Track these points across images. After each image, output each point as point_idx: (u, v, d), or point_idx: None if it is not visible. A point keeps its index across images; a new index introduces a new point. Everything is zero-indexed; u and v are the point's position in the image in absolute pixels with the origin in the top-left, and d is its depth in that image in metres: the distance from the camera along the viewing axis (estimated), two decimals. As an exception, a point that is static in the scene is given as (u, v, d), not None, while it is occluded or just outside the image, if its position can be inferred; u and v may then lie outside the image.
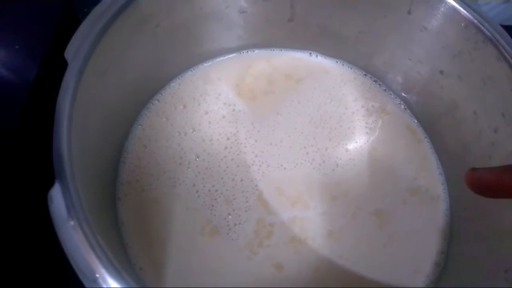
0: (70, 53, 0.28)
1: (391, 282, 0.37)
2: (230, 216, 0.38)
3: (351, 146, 0.43)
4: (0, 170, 0.33)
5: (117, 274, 0.22)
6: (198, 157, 0.40)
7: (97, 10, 0.31)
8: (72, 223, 0.23)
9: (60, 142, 0.25)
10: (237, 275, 0.36)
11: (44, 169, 0.26)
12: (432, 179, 0.42)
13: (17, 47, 0.36)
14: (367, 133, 0.44)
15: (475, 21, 0.34)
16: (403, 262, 0.38)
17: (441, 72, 0.40)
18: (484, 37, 0.34)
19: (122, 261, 0.34)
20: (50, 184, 0.24)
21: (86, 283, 0.22)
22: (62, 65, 0.29)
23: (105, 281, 0.22)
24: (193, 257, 0.36)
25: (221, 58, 0.45)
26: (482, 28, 0.33)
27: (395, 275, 0.37)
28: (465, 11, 0.34)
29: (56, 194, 0.23)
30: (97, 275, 0.22)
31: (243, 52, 0.46)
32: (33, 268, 0.34)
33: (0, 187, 0.33)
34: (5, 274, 0.33)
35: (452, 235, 0.39)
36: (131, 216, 0.37)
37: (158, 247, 0.36)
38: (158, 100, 0.42)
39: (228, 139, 0.42)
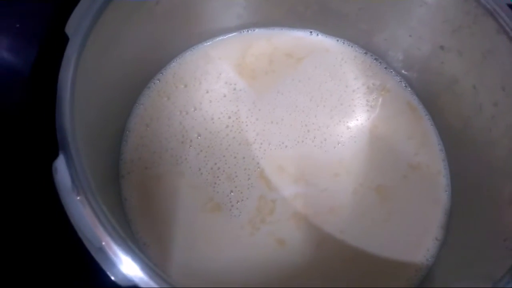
0: (71, 28, 0.28)
1: (392, 256, 0.38)
2: (232, 193, 0.39)
3: (352, 123, 0.43)
4: (5, 148, 0.33)
5: (122, 242, 0.23)
6: (200, 136, 0.41)
7: (97, -14, 0.31)
8: (76, 192, 0.23)
9: (63, 115, 0.25)
10: (240, 250, 0.37)
11: (49, 145, 0.26)
12: (432, 155, 0.42)
13: (17, 25, 0.36)
14: (367, 110, 0.44)
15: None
16: (404, 237, 0.39)
17: (441, 47, 0.40)
18: (483, 10, 0.33)
19: (127, 236, 0.34)
20: (55, 157, 0.25)
21: (92, 252, 0.23)
22: (63, 43, 0.29)
23: (111, 249, 0.23)
24: (195, 234, 0.37)
25: (221, 38, 0.45)
26: (482, 1, 0.33)
27: (396, 249, 0.38)
28: (465, -17, 0.34)
29: (60, 165, 0.23)
30: (103, 243, 0.22)
31: (244, 32, 0.46)
32: (40, 237, 0.35)
33: (5, 165, 0.33)
34: (11, 245, 0.33)
35: (452, 209, 0.40)
36: (134, 193, 0.38)
37: (161, 223, 0.37)
38: (159, 80, 0.42)
39: (229, 117, 0.42)
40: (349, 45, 0.47)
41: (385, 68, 0.46)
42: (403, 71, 0.45)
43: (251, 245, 0.37)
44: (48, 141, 0.26)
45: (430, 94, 0.44)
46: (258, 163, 0.40)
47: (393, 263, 0.38)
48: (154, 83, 0.42)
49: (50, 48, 0.37)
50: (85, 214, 0.23)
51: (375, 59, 0.46)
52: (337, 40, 0.47)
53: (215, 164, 0.40)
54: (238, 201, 0.38)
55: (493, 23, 0.33)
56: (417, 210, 0.40)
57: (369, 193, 0.40)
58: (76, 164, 0.24)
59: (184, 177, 0.39)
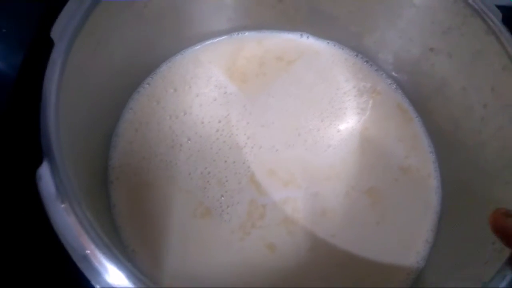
0: (56, 32, 0.28)
1: (384, 259, 0.38)
2: (222, 198, 0.38)
3: (343, 126, 0.43)
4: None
5: (107, 250, 0.22)
6: (190, 140, 0.40)
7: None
8: (61, 200, 0.23)
9: (47, 121, 0.25)
10: (230, 256, 0.36)
11: (34, 151, 0.26)
12: (423, 157, 0.42)
13: (4, 30, 0.36)
14: (358, 113, 0.44)
15: (463, -5, 0.33)
16: (395, 240, 0.38)
17: (431, 49, 0.40)
18: (472, 11, 0.34)
19: (115, 243, 0.34)
20: (40, 163, 0.24)
21: (76, 260, 0.22)
22: (50, 47, 0.28)
23: (95, 257, 0.22)
24: (186, 239, 0.36)
25: (211, 41, 0.45)
26: (470, 1, 0.33)
27: (388, 252, 0.38)
28: (453, -15, 0.34)
29: (44, 172, 0.23)
30: (88, 251, 0.22)
31: (234, 35, 0.46)
32: (23, 244, 0.34)
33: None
34: None
35: (443, 212, 0.40)
36: (123, 199, 0.37)
37: (150, 229, 0.36)
38: (148, 84, 0.42)
39: (219, 121, 0.41)
40: (339, 48, 0.46)
41: (376, 70, 0.46)
42: (393, 73, 0.45)
43: (242, 250, 0.37)
44: (33, 147, 0.26)
45: (420, 96, 0.43)
46: (248, 167, 0.40)
47: (384, 266, 0.37)
48: (143, 87, 0.42)
49: (37, 52, 0.36)
50: (69, 222, 0.22)
51: (366, 61, 0.46)
52: (328, 43, 0.47)
53: (206, 168, 0.39)
54: (228, 206, 0.38)
55: (482, 24, 0.33)
56: (408, 213, 0.40)
57: (361, 196, 0.40)
58: (61, 171, 0.24)
59: (174, 182, 0.38)
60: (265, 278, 0.36)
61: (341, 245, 0.38)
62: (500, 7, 0.34)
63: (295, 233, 0.38)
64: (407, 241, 0.38)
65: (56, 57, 0.27)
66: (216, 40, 0.45)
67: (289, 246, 0.37)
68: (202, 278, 0.35)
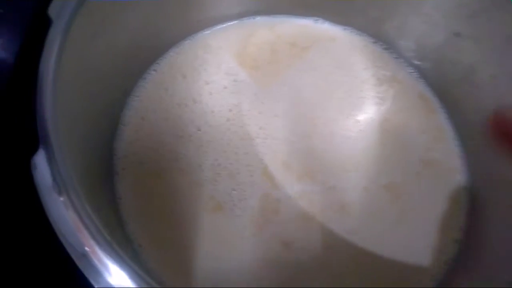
0: (54, 10, 0.25)
1: (406, 260, 0.35)
2: (234, 191, 0.36)
3: (361, 117, 0.40)
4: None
5: (108, 247, 0.20)
6: (199, 130, 0.38)
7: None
8: (58, 191, 0.20)
9: (43, 105, 0.23)
10: (242, 253, 0.35)
11: (31, 139, 0.24)
12: (448, 150, 0.40)
13: (1, 11, 0.34)
14: (377, 103, 0.41)
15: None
16: (418, 238, 0.36)
17: (457, 34, 0.37)
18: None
19: (120, 238, 0.32)
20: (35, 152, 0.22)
21: (74, 258, 0.20)
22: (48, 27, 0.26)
23: (95, 255, 0.20)
24: (195, 234, 0.35)
25: (221, 26, 0.43)
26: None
27: (409, 252, 0.36)
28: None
29: (40, 160, 0.21)
30: (87, 248, 0.20)
31: (245, 19, 0.43)
32: (20, 240, 0.32)
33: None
34: None
35: (471, 209, 0.37)
36: (129, 191, 0.36)
37: (158, 223, 0.35)
38: (155, 70, 0.40)
39: (230, 110, 0.39)
40: (357, 34, 0.44)
41: (396, 58, 0.43)
42: (415, 61, 0.42)
43: (254, 246, 0.35)
44: (30, 135, 0.24)
45: (445, 86, 0.41)
46: (261, 159, 0.37)
47: (406, 267, 0.35)
48: (150, 74, 0.40)
49: (36, 34, 0.34)
50: (67, 216, 0.20)
51: (385, 48, 0.43)
52: (345, 29, 0.44)
53: (216, 160, 0.37)
54: (240, 200, 0.36)
55: (513, 7, 0.31)
56: (432, 210, 0.37)
57: (380, 191, 0.38)
58: (58, 159, 0.22)
59: (182, 174, 0.37)
60: (279, 276, 0.34)
61: (359, 242, 0.36)
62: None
63: (311, 229, 0.36)
64: (431, 240, 0.36)
65: (53, 37, 0.25)
66: (226, 24, 0.43)
67: (304, 242, 0.35)
68: (211, 276, 0.34)
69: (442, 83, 0.41)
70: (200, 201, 0.36)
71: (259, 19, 0.44)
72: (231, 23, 0.43)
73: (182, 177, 0.36)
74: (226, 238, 0.35)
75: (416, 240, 0.36)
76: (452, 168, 0.39)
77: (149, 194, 0.36)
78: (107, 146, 0.36)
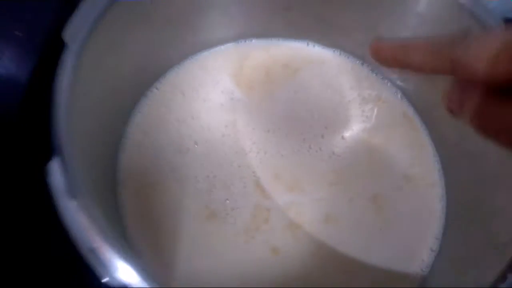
0: (69, 34, 0.28)
1: (388, 266, 0.38)
2: (227, 201, 0.39)
3: (348, 133, 0.43)
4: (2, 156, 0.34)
5: (115, 244, 0.23)
6: (196, 144, 0.41)
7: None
8: (70, 195, 0.23)
9: (57, 119, 0.25)
10: (235, 258, 0.37)
11: (45, 150, 0.27)
12: (428, 166, 0.42)
13: (17, 33, 0.37)
14: (363, 121, 0.44)
15: (468, 5, 0.34)
16: (399, 247, 0.39)
17: (436, 59, 0.40)
18: (477, 23, 0.34)
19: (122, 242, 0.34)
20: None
21: (84, 254, 0.23)
22: (62, 50, 0.29)
23: (103, 251, 0.23)
24: (191, 241, 0.37)
25: (219, 48, 0.46)
26: (475, 12, 0.34)
27: (391, 259, 0.38)
28: (458, -4, 0.34)
29: (54, 167, 0.24)
30: (95, 245, 0.23)
31: (241, 42, 0.47)
32: (34, 238, 0.35)
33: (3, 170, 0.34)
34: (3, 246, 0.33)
35: (447, 220, 0.40)
36: (130, 200, 0.38)
37: (156, 230, 0.37)
38: (157, 88, 0.43)
39: (226, 126, 0.42)
40: (345, 56, 0.47)
41: (382, 79, 0.46)
42: (399, 82, 0.45)
43: (246, 252, 0.37)
44: (43, 147, 0.26)
45: (426, 106, 0.44)
46: (254, 171, 0.40)
47: (388, 273, 0.37)
48: (151, 92, 0.43)
49: (49, 55, 0.37)
50: (77, 216, 0.23)
51: (372, 70, 0.46)
52: (334, 51, 0.47)
53: (211, 172, 0.40)
54: (233, 209, 0.38)
55: (486, 35, 0.34)
56: (413, 221, 0.40)
57: (365, 203, 0.40)
58: (70, 166, 0.24)
59: (180, 184, 0.39)
60: (269, 281, 0.36)
61: (345, 250, 0.38)
62: (507, 20, 0.34)
63: (299, 238, 0.38)
64: (411, 249, 0.38)
65: (68, 58, 0.28)
66: (224, 46, 0.46)
67: (293, 250, 0.37)
68: (207, 279, 0.36)
69: (423, 103, 0.44)
70: (196, 210, 0.38)
71: (254, 41, 0.47)
72: (228, 45, 0.46)
73: (180, 187, 0.39)
74: (219, 245, 0.37)
75: (397, 249, 0.38)
76: (431, 182, 0.41)
77: (148, 203, 0.38)
78: (111, 158, 0.38)
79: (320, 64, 0.47)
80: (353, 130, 0.43)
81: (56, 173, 0.24)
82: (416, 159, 0.43)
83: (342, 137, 0.43)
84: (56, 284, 0.34)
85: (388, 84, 0.46)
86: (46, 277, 0.34)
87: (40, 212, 0.30)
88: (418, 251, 0.38)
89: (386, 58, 0.23)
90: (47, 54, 0.38)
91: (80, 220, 0.23)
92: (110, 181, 0.37)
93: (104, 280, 0.22)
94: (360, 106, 0.45)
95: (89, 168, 0.30)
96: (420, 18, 0.38)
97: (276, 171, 0.40)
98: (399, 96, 0.45)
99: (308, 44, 0.47)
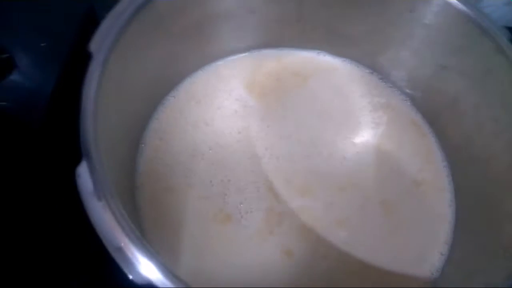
0: (94, 46, 0.30)
1: (398, 270, 0.38)
2: (241, 205, 0.40)
3: (358, 140, 0.44)
4: (31, 159, 0.35)
5: (139, 243, 0.24)
6: (211, 149, 0.42)
7: (118, 8, 0.33)
8: (97, 196, 0.25)
9: (86, 125, 0.27)
10: (248, 260, 0.38)
11: (73, 155, 0.28)
12: (437, 171, 0.43)
13: (42, 45, 0.39)
14: (373, 127, 0.45)
15: (473, 16, 0.35)
16: (409, 251, 0.39)
17: (443, 67, 0.41)
18: (481, 31, 0.35)
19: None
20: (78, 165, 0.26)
21: (111, 252, 0.24)
22: (84, 61, 0.31)
23: (129, 249, 0.24)
24: (206, 243, 0.38)
25: (233, 57, 0.48)
26: (480, 22, 0.35)
27: (401, 263, 0.39)
28: (463, 7, 0.36)
29: (83, 170, 0.25)
30: (122, 244, 0.24)
31: (254, 51, 0.48)
32: (64, 237, 0.36)
33: (31, 173, 0.35)
34: (34, 244, 0.35)
35: (456, 224, 0.40)
36: (147, 203, 0.39)
37: (172, 233, 0.38)
38: (173, 96, 0.45)
39: (239, 132, 0.43)
40: (355, 65, 0.48)
41: (390, 87, 0.47)
42: (407, 90, 0.47)
43: (259, 255, 0.38)
44: (71, 152, 0.28)
45: (434, 112, 0.45)
46: (266, 176, 0.41)
47: (398, 276, 0.38)
48: (168, 100, 0.44)
49: (72, 67, 0.39)
50: (105, 217, 0.24)
51: (381, 78, 0.48)
52: (344, 60, 0.49)
53: (225, 176, 0.41)
54: (247, 212, 0.39)
55: (491, 44, 0.35)
56: (422, 225, 0.41)
57: (375, 207, 0.41)
58: (98, 170, 0.26)
59: (195, 188, 0.40)
60: (282, 283, 0.37)
61: (355, 254, 0.39)
62: (509, 28, 0.35)
63: (311, 241, 0.39)
64: (421, 253, 0.39)
65: (95, 68, 0.29)
66: (237, 56, 0.48)
67: (305, 252, 0.38)
68: (220, 281, 0.37)
69: (431, 110, 0.45)
70: (211, 213, 0.39)
71: (266, 51, 0.49)
72: (242, 55, 0.48)
73: (195, 191, 0.40)
74: (234, 247, 0.38)
75: (406, 252, 0.39)
76: (440, 187, 0.42)
77: (164, 207, 0.39)
78: (131, 163, 0.40)
79: (330, 72, 0.48)
80: (364, 137, 0.44)
81: (84, 175, 0.25)
82: (425, 165, 0.44)
83: (353, 143, 0.44)
84: (85, 282, 0.36)
85: (397, 92, 0.47)
86: (74, 275, 0.36)
87: (69, 213, 0.32)
88: (428, 255, 0.39)
89: None
90: (71, 65, 0.40)
91: (107, 220, 0.24)
92: (129, 185, 0.39)
93: (131, 276, 0.23)
94: (370, 113, 0.46)
95: (111, 172, 0.32)
96: (427, 28, 0.40)
97: (288, 176, 0.42)
98: (408, 103, 0.47)
99: (319, 54, 0.49)
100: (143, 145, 0.42)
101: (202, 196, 0.40)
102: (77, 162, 0.27)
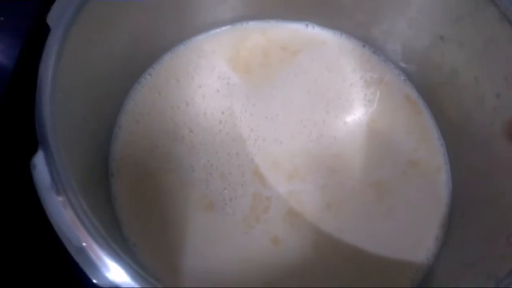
0: (53, 18, 0.27)
1: (392, 255, 0.37)
2: (225, 191, 0.37)
3: (349, 118, 0.42)
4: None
5: (104, 243, 0.22)
6: (192, 132, 0.39)
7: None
8: (56, 190, 0.22)
9: (42, 108, 0.24)
10: (234, 250, 0.36)
11: (30, 141, 0.25)
12: (432, 150, 0.41)
13: (1, 19, 0.35)
14: (365, 105, 0.42)
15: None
16: (403, 235, 0.38)
17: (442, 38, 0.38)
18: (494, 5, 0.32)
19: (116, 236, 0.33)
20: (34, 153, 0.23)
21: (72, 253, 0.21)
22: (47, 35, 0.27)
23: (92, 250, 0.21)
24: (188, 232, 0.36)
25: (215, 31, 0.44)
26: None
27: (396, 248, 0.37)
28: (465, -30, 0.33)
29: (39, 161, 0.22)
30: (84, 244, 0.21)
31: (237, 24, 0.45)
32: (20, 236, 0.33)
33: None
34: None
35: (453, 207, 0.39)
36: (124, 192, 0.37)
37: (152, 222, 0.36)
38: (150, 74, 0.41)
39: (222, 113, 0.41)
40: (346, 38, 0.45)
41: (384, 60, 0.45)
42: (402, 64, 0.44)
43: (245, 244, 0.36)
44: (29, 137, 0.25)
45: (430, 87, 0.42)
46: (252, 159, 0.39)
47: (392, 262, 0.36)
48: (145, 78, 0.41)
49: (35, 41, 0.35)
50: (65, 213, 0.22)
51: (373, 51, 0.45)
52: (334, 33, 0.45)
53: (208, 161, 0.38)
54: (232, 199, 0.37)
55: (495, 11, 0.32)
56: (417, 208, 0.39)
57: (368, 189, 0.39)
58: (56, 160, 0.23)
59: (176, 174, 0.38)
60: (269, 272, 0.35)
61: (347, 239, 0.37)
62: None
63: (300, 227, 0.37)
64: (416, 237, 0.37)
65: (52, 44, 0.26)
66: (220, 29, 0.44)
67: (294, 239, 0.36)
68: (204, 273, 0.35)
69: (427, 85, 0.43)
70: (193, 200, 0.37)
71: (251, 24, 0.45)
72: (224, 28, 0.44)
73: (175, 177, 0.38)
74: (217, 236, 0.36)
75: (401, 236, 0.37)
76: (436, 167, 0.40)
77: (143, 195, 0.37)
78: (103, 148, 0.37)
79: (320, 46, 0.45)
80: (355, 115, 0.42)
81: (40, 166, 0.22)
82: (420, 143, 0.41)
83: (344, 122, 0.41)
84: (46, 284, 0.33)
85: (391, 66, 0.44)
86: (35, 277, 0.33)
87: (26, 209, 0.29)
88: (423, 239, 0.37)
89: None
90: (33, 40, 0.36)
91: (67, 217, 0.22)
92: (102, 173, 0.36)
93: (95, 280, 0.20)
94: (362, 90, 0.43)
95: (78, 160, 0.29)
96: (426, -4, 0.37)
97: (275, 159, 0.39)
98: (402, 78, 0.44)
99: (307, 26, 0.46)
100: (118, 129, 0.39)
101: (183, 182, 0.37)
102: (35, 150, 0.24)
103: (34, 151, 0.23)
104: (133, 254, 0.34)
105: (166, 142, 0.39)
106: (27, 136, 0.25)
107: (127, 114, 0.39)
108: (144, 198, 0.37)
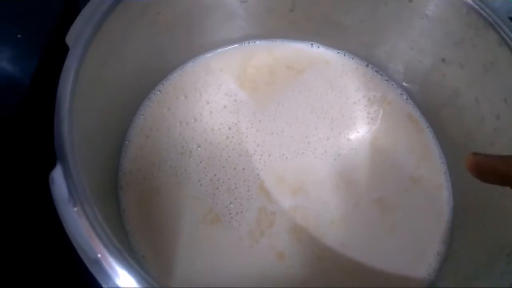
0: (71, 38, 0.28)
1: (393, 270, 0.37)
2: (231, 205, 0.38)
3: (353, 135, 0.43)
4: (3, 157, 0.33)
5: (118, 254, 0.22)
6: (199, 147, 0.40)
7: (98, -3, 0.31)
8: (73, 203, 0.23)
9: (61, 125, 0.25)
10: (239, 263, 0.36)
11: (47, 156, 0.26)
12: (434, 168, 0.42)
13: (19, 36, 0.36)
14: (368, 123, 0.43)
15: (476, 6, 0.34)
16: (405, 251, 0.38)
17: (443, 60, 0.39)
18: (485, 23, 0.33)
19: (125, 248, 0.34)
20: (52, 167, 0.24)
21: (87, 263, 0.22)
22: (64, 53, 0.29)
23: (106, 261, 0.22)
24: (195, 245, 0.36)
25: (222, 49, 0.45)
26: (483, 13, 0.33)
27: (397, 263, 0.37)
28: (465, -4, 0.34)
29: (57, 175, 0.23)
30: (99, 255, 0.22)
31: (245, 43, 0.46)
32: (36, 248, 0.34)
33: (3, 173, 0.33)
34: (5, 254, 0.33)
35: (454, 223, 0.39)
36: (133, 204, 0.37)
37: (160, 235, 0.36)
38: (159, 91, 0.42)
39: (229, 128, 0.42)
40: (350, 57, 0.47)
41: (387, 80, 0.46)
42: (404, 84, 0.45)
43: (250, 258, 0.36)
44: (46, 152, 0.26)
45: (431, 107, 0.43)
46: (258, 174, 0.40)
47: (394, 277, 0.37)
48: (154, 94, 0.42)
49: (51, 58, 0.37)
50: (81, 225, 0.22)
51: (376, 71, 0.46)
52: (338, 52, 0.47)
53: (215, 175, 0.39)
54: (237, 213, 0.38)
55: (495, 35, 0.33)
56: (419, 224, 0.39)
57: (370, 205, 0.40)
58: (74, 174, 0.24)
59: (183, 188, 0.38)
60: (273, 286, 0.35)
61: (350, 254, 0.37)
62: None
63: (304, 241, 0.37)
64: (418, 253, 0.38)
65: (71, 63, 0.27)
66: (227, 48, 0.46)
67: (298, 254, 0.37)
68: (210, 285, 0.35)
69: (429, 105, 0.44)
70: (199, 214, 0.38)
71: (258, 43, 0.47)
72: (232, 46, 0.46)
73: (183, 191, 0.38)
74: (223, 249, 0.36)
75: (403, 252, 0.38)
76: (437, 185, 0.41)
77: (151, 208, 0.38)
78: (114, 162, 0.38)
79: (324, 65, 0.46)
80: (359, 132, 0.43)
81: (59, 181, 0.23)
82: (422, 161, 0.42)
83: (348, 139, 0.42)
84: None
85: (394, 85, 0.45)
86: (49, 284, 0.34)
87: (43, 220, 0.30)
88: (425, 255, 0.38)
89: (487, 171, 0.23)
90: (49, 57, 0.37)
91: (83, 228, 0.22)
92: (112, 186, 0.37)
93: (104, 286, 0.21)
94: (365, 108, 0.44)
95: (92, 173, 0.30)
96: (427, 19, 0.38)
97: (280, 174, 0.40)
98: (404, 97, 0.45)
99: (312, 45, 0.47)
100: (127, 143, 0.40)
101: (190, 196, 0.38)
102: (53, 164, 0.25)
103: (52, 166, 0.24)
104: (142, 267, 0.34)
105: (174, 156, 0.40)
106: (46, 152, 0.26)
107: (136, 129, 0.41)
108: (152, 211, 0.37)
